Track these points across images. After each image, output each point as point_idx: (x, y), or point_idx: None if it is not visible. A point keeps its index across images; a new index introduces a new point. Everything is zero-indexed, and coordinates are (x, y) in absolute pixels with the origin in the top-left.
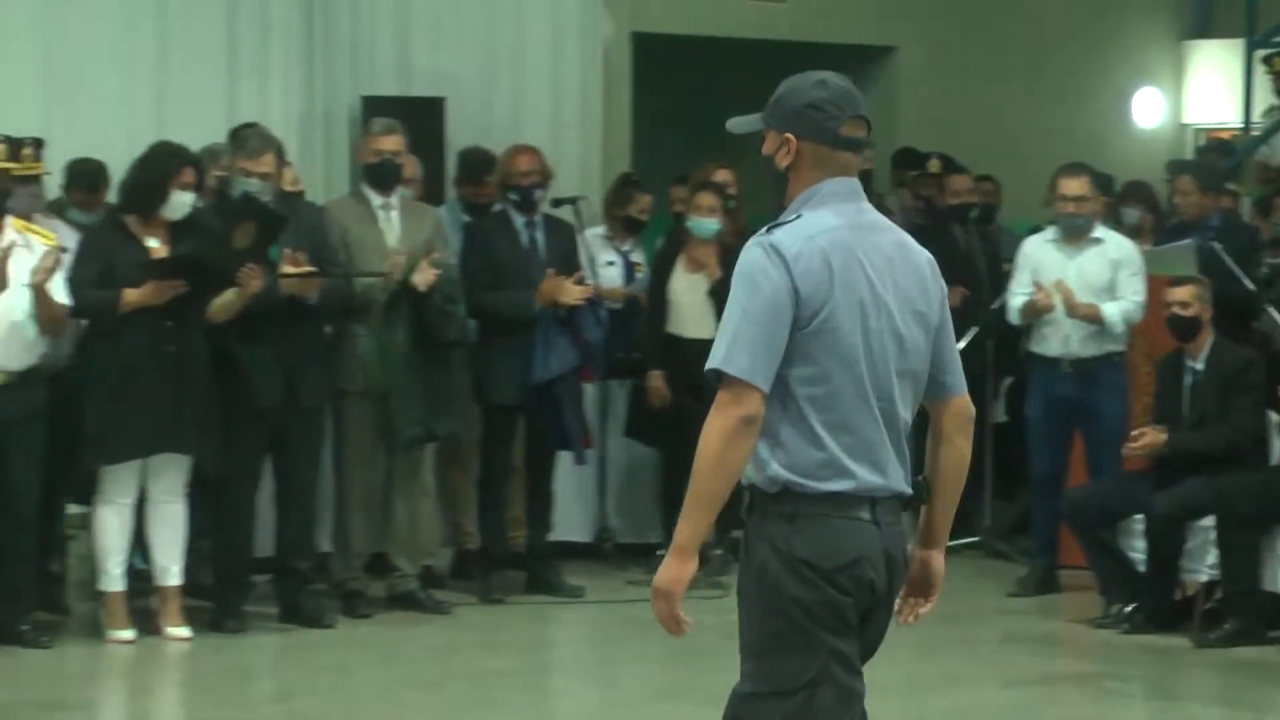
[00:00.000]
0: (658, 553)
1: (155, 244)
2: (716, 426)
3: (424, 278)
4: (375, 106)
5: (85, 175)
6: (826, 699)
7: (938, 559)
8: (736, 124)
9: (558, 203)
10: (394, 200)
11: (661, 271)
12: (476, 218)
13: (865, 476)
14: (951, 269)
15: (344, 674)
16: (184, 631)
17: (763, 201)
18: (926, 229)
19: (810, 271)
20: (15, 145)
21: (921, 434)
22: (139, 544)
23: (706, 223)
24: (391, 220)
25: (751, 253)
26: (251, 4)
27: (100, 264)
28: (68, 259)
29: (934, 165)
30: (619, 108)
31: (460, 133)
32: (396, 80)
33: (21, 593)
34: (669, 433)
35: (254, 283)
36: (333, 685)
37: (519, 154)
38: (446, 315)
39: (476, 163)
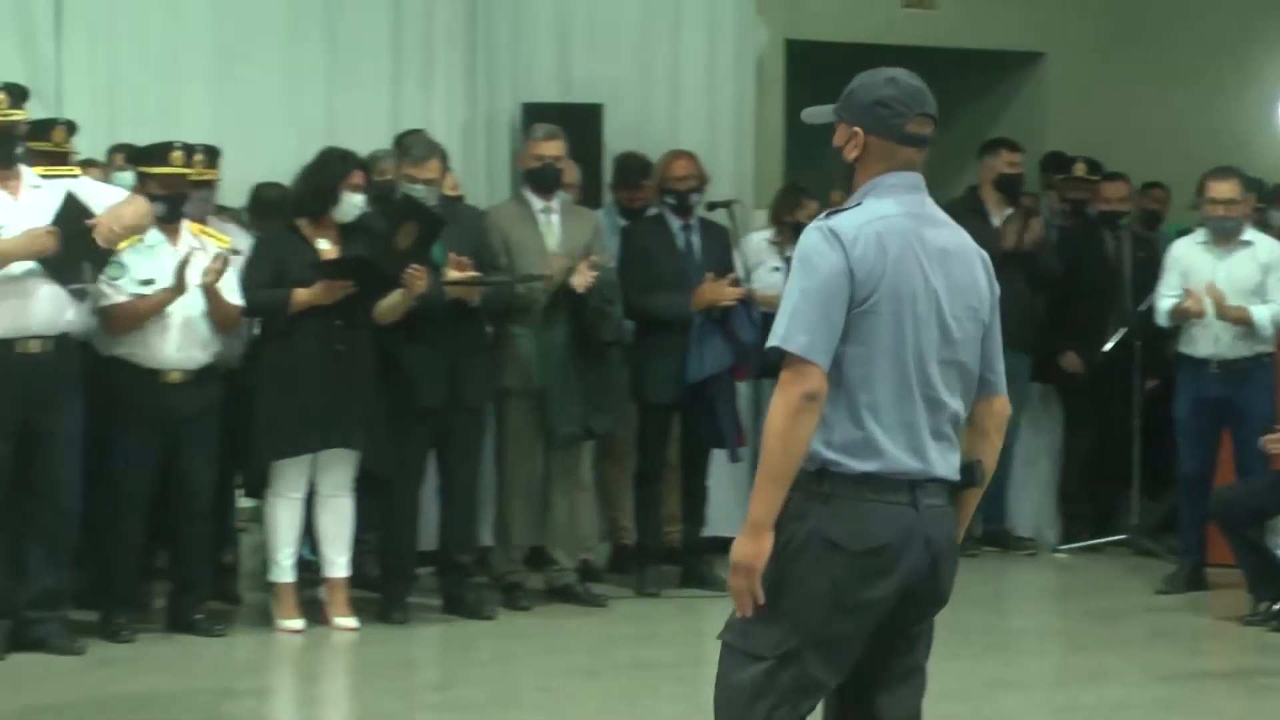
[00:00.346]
0: None
1: (326, 246)
2: (781, 404)
3: (582, 280)
4: (535, 113)
5: (269, 203)
6: (789, 680)
7: None
8: (810, 114)
9: (712, 206)
10: (555, 204)
11: None
12: (631, 221)
13: (899, 458)
14: (1097, 273)
15: (504, 664)
16: (351, 622)
17: None
18: (1074, 232)
19: (866, 254)
20: (190, 151)
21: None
22: (308, 537)
23: None
24: (552, 224)
25: (810, 236)
26: (416, 15)
27: (272, 265)
28: (240, 260)
29: (1079, 169)
30: (772, 113)
31: (617, 138)
32: (556, 87)
33: (196, 583)
34: None
35: (419, 283)
36: (493, 675)
37: (676, 159)
38: (604, 316)
39: (632, 167)
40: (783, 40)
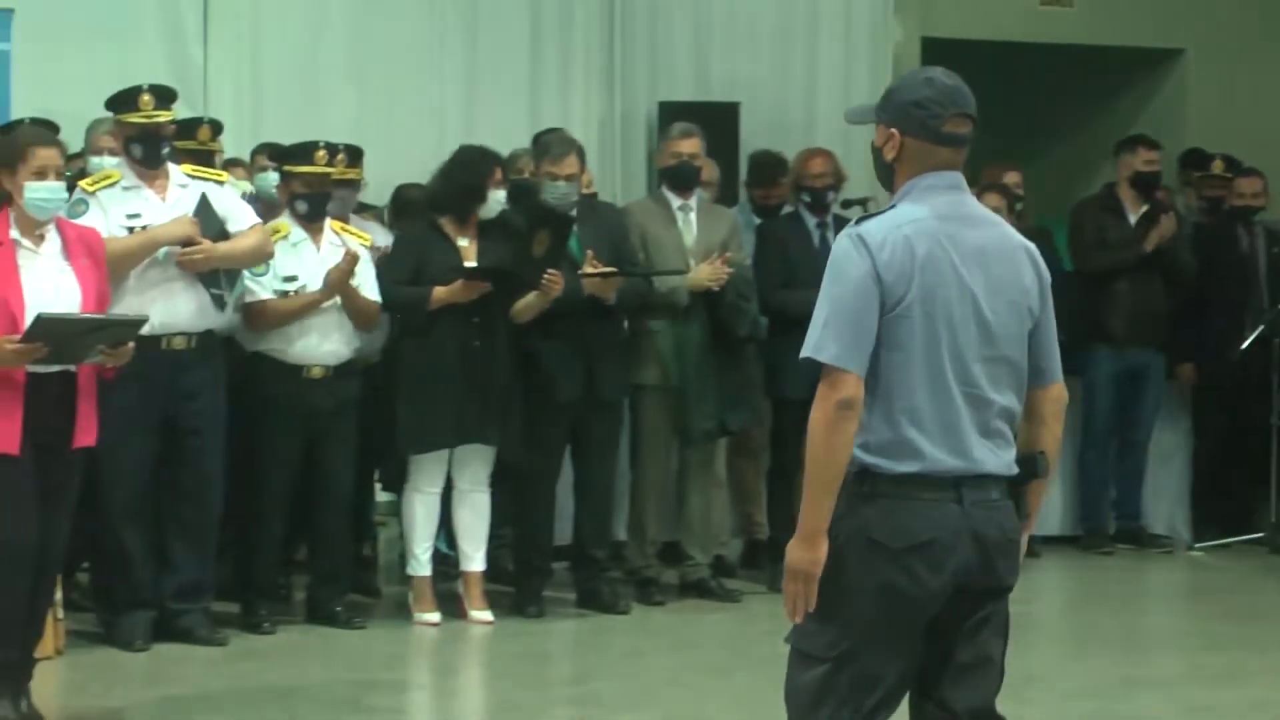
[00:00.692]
0: None
1: (465, 243)
2: (817, 414)
3: (718, 276)
4: (672, 111)
5: (410, 202)
6: (847, 679)
7: (1023, 536)
8: (852, 113)
9: (847, 204)
10: (692, 202)
11: None
12: (766, 219)
13: (939, 458)
14: (1232, 269)
15: (638, 658)
16: (486, 615)
17: (1051, 201)
18: (1208, 229)
19: (894, 259)
20: (333, 151)
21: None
22: (445, 531)
23: None
24: (690, 221)
25: (841, 243)
26: (554, 16)
27: (413, 263)
28: (380, 256)
29: (1218, 166)
30: None
31: (754, 136)
32: (693, 86)
33: (336, 576)
34: None
35: (555, 288)
36: (627, 669)
37: (813, 157)
38: (740, 312)
39: (767, 165)
40: (919, 38)
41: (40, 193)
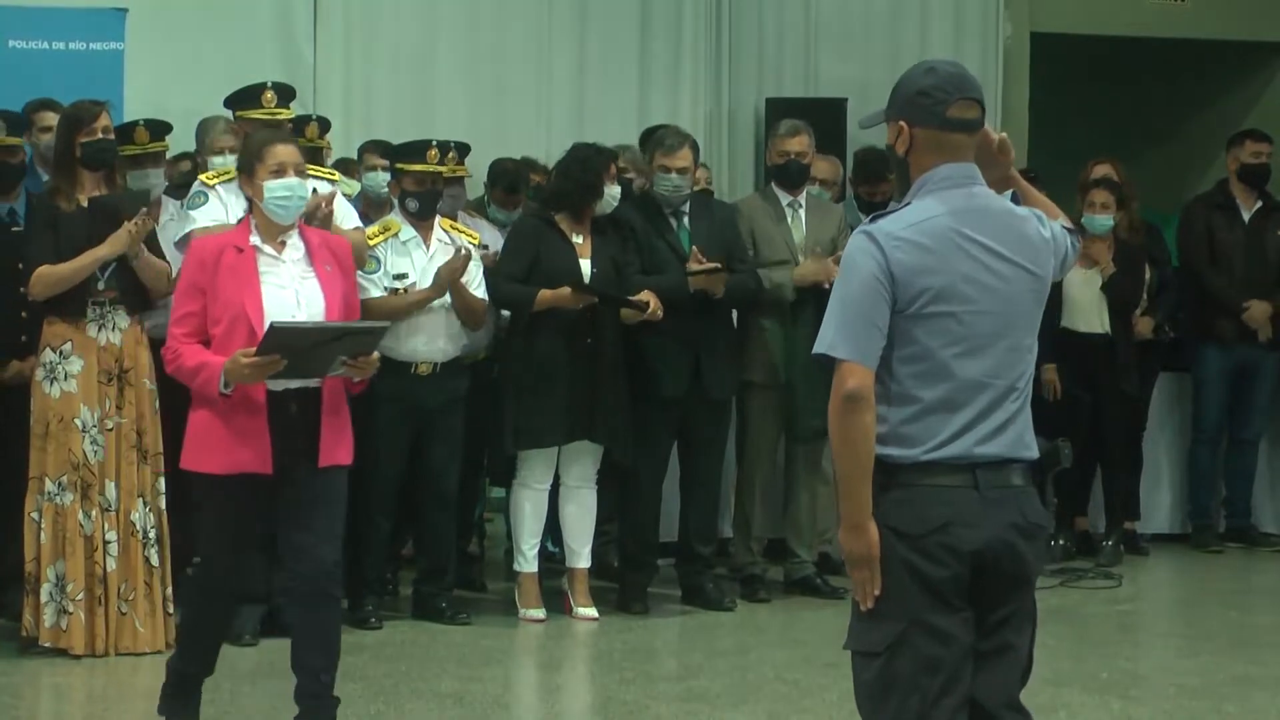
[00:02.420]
0: (1059, 542)
1: (580, 240)
2: (829, 408)
3: (828, 274)
4: (779, 108)
5: (506, 175)
6: (904, 667)
7: None
8: (864, 119)
9: None
10: (801, 199)
11: None
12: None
13: (954, 449)
14: None
15: (742, 655)
16: (591, 612)
17: (1163, 197)
18: None
19: (905, 257)
20: (444, 149)
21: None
22: (550, 527)
23: (1099, 218)
24: (799, 218)
25: (853, 239)
26: (663, 13)
27: (526, 258)
28: (489, 254)
29: None
30: (1018, 106)
31: (861, 133)
32: (800, 82)
33: (442, 571)
34: (1063, 424)
35: (651, 308)
36: (732, 666)
37: None
38: None
39: (873, 162)
40: (1028, 33)
41: (279, 190)
